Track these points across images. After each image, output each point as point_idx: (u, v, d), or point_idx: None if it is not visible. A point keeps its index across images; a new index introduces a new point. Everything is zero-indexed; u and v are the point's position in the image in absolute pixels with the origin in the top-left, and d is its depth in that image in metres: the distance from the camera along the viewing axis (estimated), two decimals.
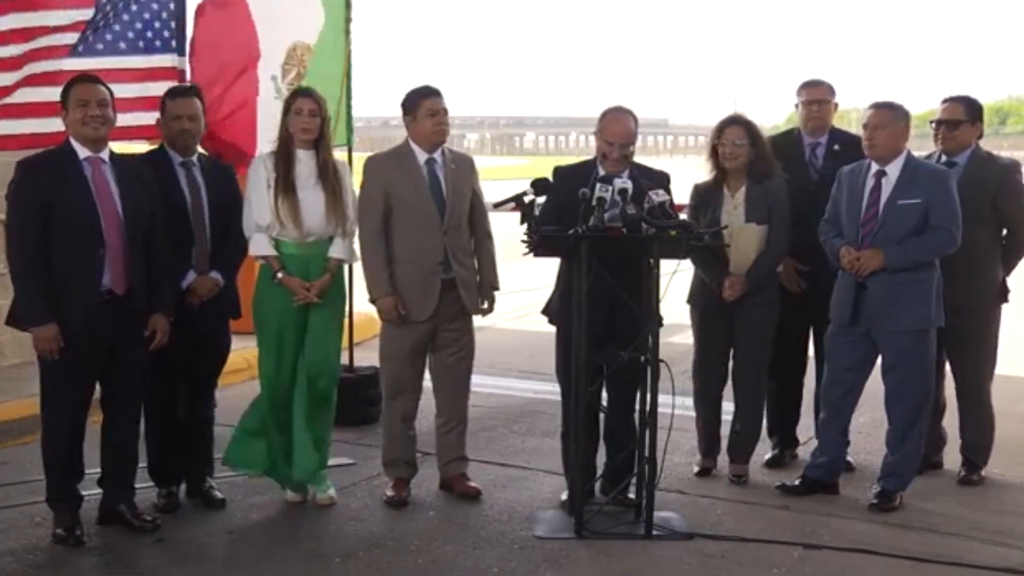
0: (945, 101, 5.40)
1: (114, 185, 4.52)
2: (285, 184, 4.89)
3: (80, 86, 4.54)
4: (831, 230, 5.14)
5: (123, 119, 5.17)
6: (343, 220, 4.98)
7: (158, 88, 5.67)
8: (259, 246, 4.92)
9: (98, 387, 4.68)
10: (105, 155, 4.55)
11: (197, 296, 4.88)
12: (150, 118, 5.54)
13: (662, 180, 4.97)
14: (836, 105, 5.74)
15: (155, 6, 5.92)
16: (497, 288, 5.27)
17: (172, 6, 6.01)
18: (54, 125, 4.82)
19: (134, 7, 5.86)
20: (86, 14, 5.65)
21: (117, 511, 4.70)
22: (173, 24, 6.01)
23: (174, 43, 5.98)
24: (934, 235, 4.91)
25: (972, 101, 5.37)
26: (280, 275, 4.91)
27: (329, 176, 4.96)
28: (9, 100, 5.45)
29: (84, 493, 4.69)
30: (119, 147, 4.97)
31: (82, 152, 4.49)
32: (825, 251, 5.19)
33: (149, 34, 5.90)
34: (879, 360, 5.14)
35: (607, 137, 5.01)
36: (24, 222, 4.40)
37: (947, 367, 5.56)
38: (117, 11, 5.78)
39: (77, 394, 4.56)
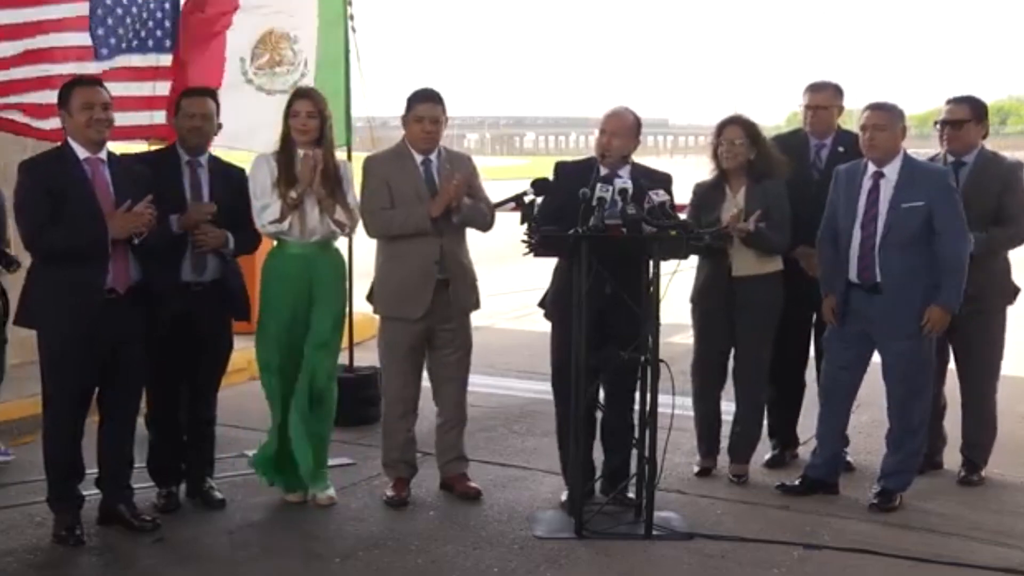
0: (949, 102, 5.40)
1: (112, 185, 4.53)
2: (287, 183, 4.90)
3: (83, 89, 4.54)
4: (828, 236, 5.14)
5: (123, 118, 5.19)
6: (345, 219, 4.99)
7: (155, 88, 5.68)
8: (271, 212, 4.89)
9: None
10: (103, 155, 4.57)
11: (191, 222, 4.80)
12: (149, 118, 5.54)
13: (664, 181, 4.96)
14: (841, 108, 5.73)
15: (152, 5, 5.94)
16: (457, 204, 5.01)
17: (167, 6, 6.02)
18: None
19: (137, 4, 5.88)
20: (82, 8, 5.66)
21: (117, 511, 4.70)
22: (167, 24, 6.03)
23: (168, 42, 5.99)
24: (951, 260, 4.86)
25: (976, 101, 5.37)
26: (296, 192, 4.86)
27: (331, 176, 4.96)
28: (27, 99, 5.45)
29: (85, 493, 4.70)
30: (119, 147, 4.98)
31: (82, 153, 4.51)
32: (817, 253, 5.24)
33: (144, 33, 5.91)
34: (877, 359, 5.15)
35: (602, 125, 5.03)
36: (37, 210, 4.40)
37: (949, 367, 5.56)
38: (123, 9, 5.80)
39: (79, 394, 4.56)
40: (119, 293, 4.50)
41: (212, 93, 5.14)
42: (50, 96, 5.08)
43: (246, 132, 5.79)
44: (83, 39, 5.69)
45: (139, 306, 4.58)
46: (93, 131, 4.49)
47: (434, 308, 5.08)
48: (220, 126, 5.06)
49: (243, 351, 5.44)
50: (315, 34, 6.39)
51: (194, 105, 4.98)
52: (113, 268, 4.47)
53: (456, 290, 5.12)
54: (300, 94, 5.08)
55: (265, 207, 4.91)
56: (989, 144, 5.48)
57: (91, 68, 5.54)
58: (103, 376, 4.61)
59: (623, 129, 5.03)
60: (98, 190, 4.49)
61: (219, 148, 5.31)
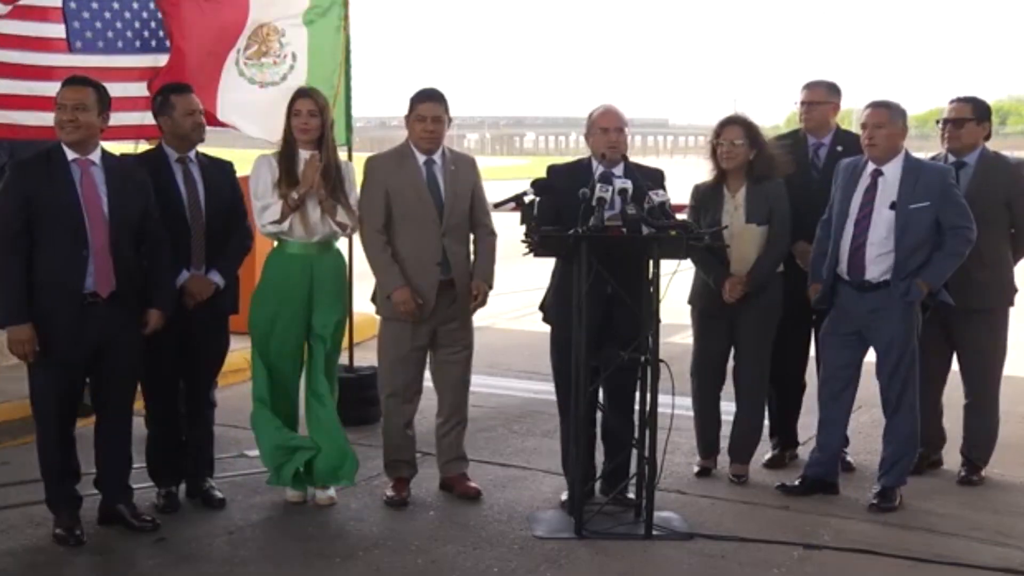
0: (953, 101, 5.41)
1: (103, 187, 4.48)
2: (289, 183, 4.90)
3: (63, 89, 4.52)
4: (825, 236, 5.15)
5: (125, 118, 5.17)
6: (347, 219, 4.99)
7: (149, 88, 5.68)
8: (272, 214, 4.90)
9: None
10: (95, 156, 4.51)
11: (191, 296, 4.87)
12: (141, 118, 5.53)
13: (657, 178, 4.97)
14: (837, 106, 5.73)
15: (151, 5, 5.93)
16: (490, 285, 5.23)
17: (151, 5, 6.01)
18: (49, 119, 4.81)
19: (135, 4, 5.88)
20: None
21: (116, 511, 4.70)
22: (152, 23, 6.01)
23: (167, 43, 5.99)
24: (953, 238, 4.92)
25: (979, 101, 5.37)
26: (296, 195, 4.86)
27: (332, 176, 4.96)
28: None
29: (84, 493, 4.69)
30: (123, 147, 4.97)
31: (71, 154, 4.47)
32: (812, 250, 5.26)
33: (145, 33, 5.91)
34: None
35: (602, 124, 5.00)
36: (5, 219, 4.37)
37: (951, 367, 5.56)
38: (113, 9, 5.80)
39: (64, 395, 4.52)
40: (101, 297, 4.46)
41: (191, 88, 5.12)
42: (18, 87, 5.09)
43: (239, 119, 5.88)
44: (58, 30, 5.69)
45: (123, 308, 4.54)
46: (64, 132, 4.45)
47: (437, 309, 5.07)
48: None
49: (243, 351, 5.44)
50: (303, 29, 6.41)
51: (190, 102, 4.97)
52: (96, 272, 4.44)
53: (461, 295, 5.12)
54: (302, 93, 5.07)
55: (266, 207, 4.91)
56: (989, 144, 5.48)
57: (65, 61, 5.53)
58: (94, 376, 4.60)
59: (622, 119, 5.04)
60: (84, 191, 4.44)
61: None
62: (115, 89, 5.45)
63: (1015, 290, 5.46)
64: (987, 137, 5.41)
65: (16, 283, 4.37)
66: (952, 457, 5.65)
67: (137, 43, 5.90)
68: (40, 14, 5.63)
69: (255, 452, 5.35)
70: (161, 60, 5.93)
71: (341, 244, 5.28)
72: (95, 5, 5.77)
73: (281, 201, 4.88)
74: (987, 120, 5.40)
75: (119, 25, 5.85)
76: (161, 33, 5.96)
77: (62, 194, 4.41)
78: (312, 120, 4.95)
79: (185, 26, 5.96)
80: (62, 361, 4.45)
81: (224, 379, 5.28)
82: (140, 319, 4.62)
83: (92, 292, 4.44)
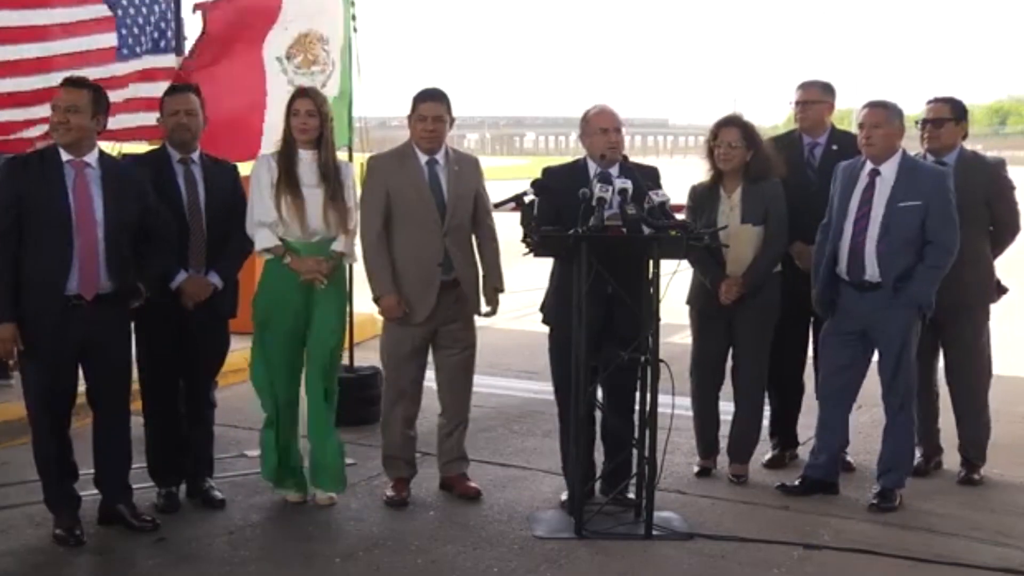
0: (931, 101, 5.44)
1: (97, 189, 4.46)
2: (288, 183, 4.89)
3: (60, 89, 4.51)
4: (825, 239, 5.16)
5: (131, 119, 5.15)
6: (346, 219, 4.99)
7: (160, 88, 5.69)
8: (264, 240, 4.91)
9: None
10: (90, 158, 4.49)
11: (189, 297, 4.87)
12: (153, 118, 5.54)
13: (651, 175, 4.97)
14: (832, 106, 5.74)
15: (158, 7, 5.94)
16: (502, 290, 5.27)
17: (173, 5, 6.03)
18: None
19: (146, 5, 5.90)
20: (101, 9, 5.68)
21: (116, 511, 4.69)
22: (174, 24, 6.03)
23: (174, 43, 5.99)
24: (933, 251, 4.93)
25: (957, 102, 5.42)
26: (289, 260, 4.89)
27: (331, 176, 4.96)
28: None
29: (84, 493, 4.69)
30: (127, 147, 4.97)
31: (65, 155, 4.45)
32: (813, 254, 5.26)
33: (156, 34, 5.92)
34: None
35: (600, 124, 4.99)
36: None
37: (938, 365, 5.57)
38: (136, 9, 5.82)
39: (54, 395, 4.51)
40: (86, 300, 4.44)
41: (195, 89, 5.10)
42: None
43: None
44: (110, 40, 5.70)
45: (111, 308, 4.52)
46: (56, 134, 4.45)
47: (438, 310, 5.07)
48: (206, 120, 5.04)
49: (243, 351, 5.44)
50: (341, 36, 6.46)
51: (177, 102, 4.96)
52: (80, 274, 4.41)
53: (464, 296, 5.13)
54: (300, 93, 5.07)
55: (260, 225, 4.89)
56: (990, 144, 5.53)
57: (109, 71, 5.54)
58: (86, 376, 4.59)
59: (618, 119, 5.04)
60: (76, 193, 4.42)
61: None
62: (154, 90, 5.49)
63: (997, 287, 5.47)
64: (964, 137, 5.43)
65: (2, 281, 4.36)
66: (952, 458, 5.65)
67: (162, 43, 5.94)
68: (90, 27, 5.65)
69: (255, 452, 5.36)
70: (163, 61, 5.95)
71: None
72: (131, 10, 5.79)
73: (276, 241, 4.89)
74: (964, 120, 5.45)
75: (152, 22, 5.88)
76: (169, 33, 5.97)
77: (53, 195, 4.39)
78: (311, 120, 4.94)
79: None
80: (49, 361, 4.44)
81: (224, 379, 5.28)
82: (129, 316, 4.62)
83: (76, 294, 4.43)
